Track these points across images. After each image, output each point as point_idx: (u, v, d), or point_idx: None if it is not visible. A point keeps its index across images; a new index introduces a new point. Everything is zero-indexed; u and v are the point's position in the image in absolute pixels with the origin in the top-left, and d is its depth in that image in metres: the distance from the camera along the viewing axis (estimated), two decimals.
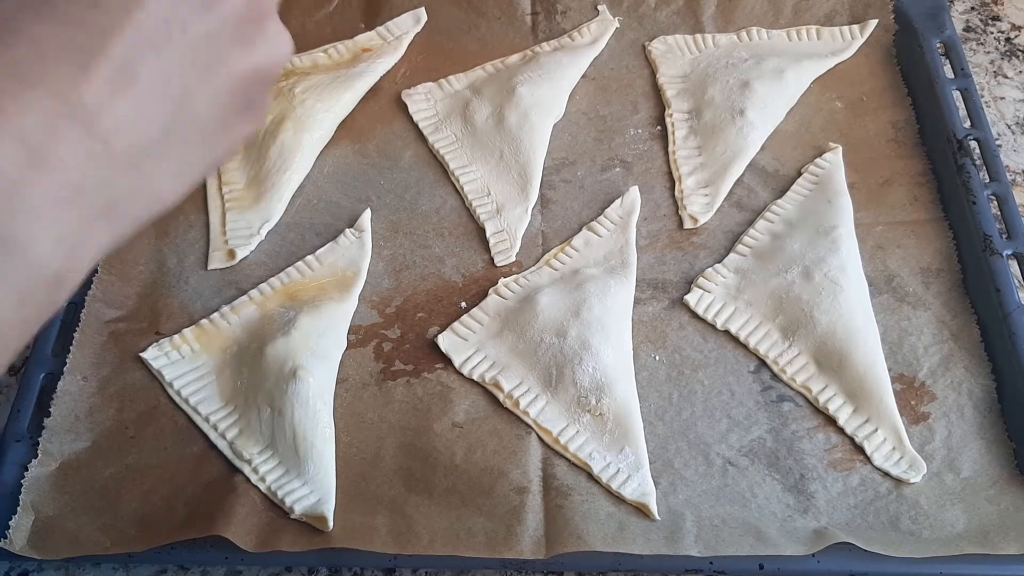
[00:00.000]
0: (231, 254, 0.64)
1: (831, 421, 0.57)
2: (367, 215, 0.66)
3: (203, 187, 0.68)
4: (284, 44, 0.34)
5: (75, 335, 0.59)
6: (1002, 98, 0.76)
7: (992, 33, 0.80)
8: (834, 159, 0.68)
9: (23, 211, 0.27)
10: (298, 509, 0.53)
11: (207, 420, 0.57)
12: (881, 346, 0.59)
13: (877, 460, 0.55)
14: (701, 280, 0.63)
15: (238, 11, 0.31)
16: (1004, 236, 0.63)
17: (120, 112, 0.29)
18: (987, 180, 0.65)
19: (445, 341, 0.60)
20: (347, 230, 0.66)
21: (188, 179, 0.32)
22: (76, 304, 0.61)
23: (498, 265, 0.64)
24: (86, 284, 0.62)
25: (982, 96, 0.72)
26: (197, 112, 0.31)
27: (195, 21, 0.30)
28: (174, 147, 0.31)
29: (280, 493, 0.54)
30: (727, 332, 0.61)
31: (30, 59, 0.27)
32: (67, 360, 0.59)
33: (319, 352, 0.58)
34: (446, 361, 0.60)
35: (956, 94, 0.70)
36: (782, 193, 0.67)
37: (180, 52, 0.30)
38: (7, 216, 0.26)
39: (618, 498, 0.54)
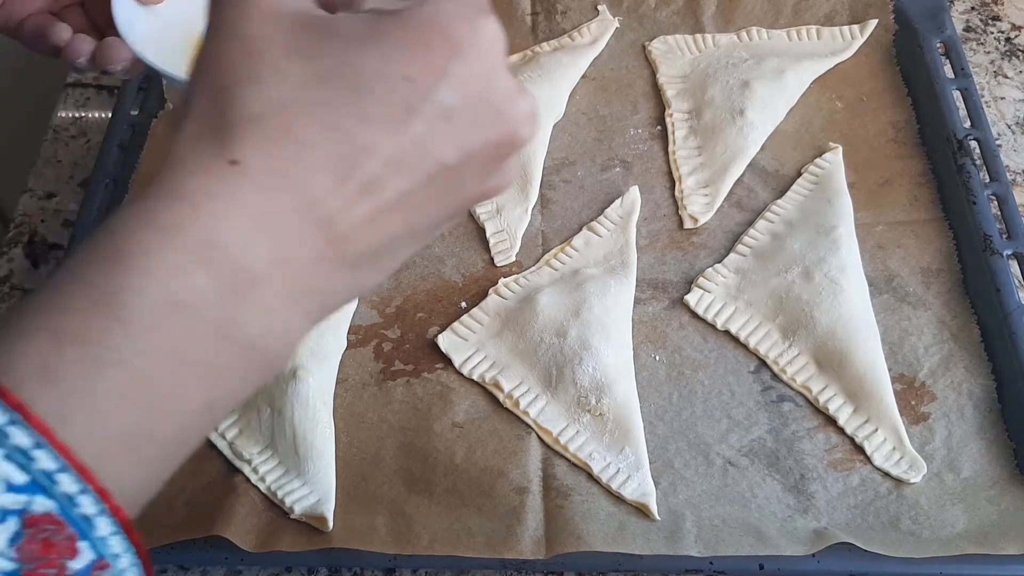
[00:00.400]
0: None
1: (831, 421, 0.57)
2: None
3: None
4: (510, 179, 0.34)
5: None
6: (1002, 98, 0.76)
7: (992, 33, 0.80)
8: (834, 159, 0.68)
9: (260, 308, 0.28)
10: (298, 509, 0.53)
11: None
12: (881, 346, 0.59)
13: (877, 460, 0.55)
14: (701, 280, 0.63)
15: (490, 154, 0.31)
16: (1004, 236, 0.63)
17: (357, 223, 0.29)
18: (987, 180, 0.65)
19: (445, 341, 0.60)
20: None
21: (392, 270, 0.33)
22: None
23: (498, 265, 0.64)
24: None
25: (982, 96, 0.72)
26: (419, 226, 0.31)
27: (448, 151, 0.30)
28: (392, 252, 0.32)
29: (280, 493, 0.54)
30: (727, 332, 0.61)
31: (294, 161, 0.28)
32: None
33: (319, 352, 0.58)
34: (446, 361, 0.60)
35: (956, 94, 0.70)
36: (782, 193, 0.67)
37: (425, 178, 0.30)
38: (246, 309, 0.27)
39: (618, 498, 0.54)
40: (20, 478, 0.24)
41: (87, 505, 0.25)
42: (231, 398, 0.29)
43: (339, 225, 0.29)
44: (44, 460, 0.24)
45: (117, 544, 0.26)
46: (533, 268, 0.64)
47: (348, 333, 0.61)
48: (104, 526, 0.25)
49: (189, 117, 0.29)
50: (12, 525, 0.24)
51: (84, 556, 0.25)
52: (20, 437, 0.24)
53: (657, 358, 0.60)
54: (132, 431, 0.26)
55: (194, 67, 0.30)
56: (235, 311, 0.27)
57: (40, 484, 0.24)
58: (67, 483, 0.25)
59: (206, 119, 0.28)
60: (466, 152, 0.30)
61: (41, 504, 0.24)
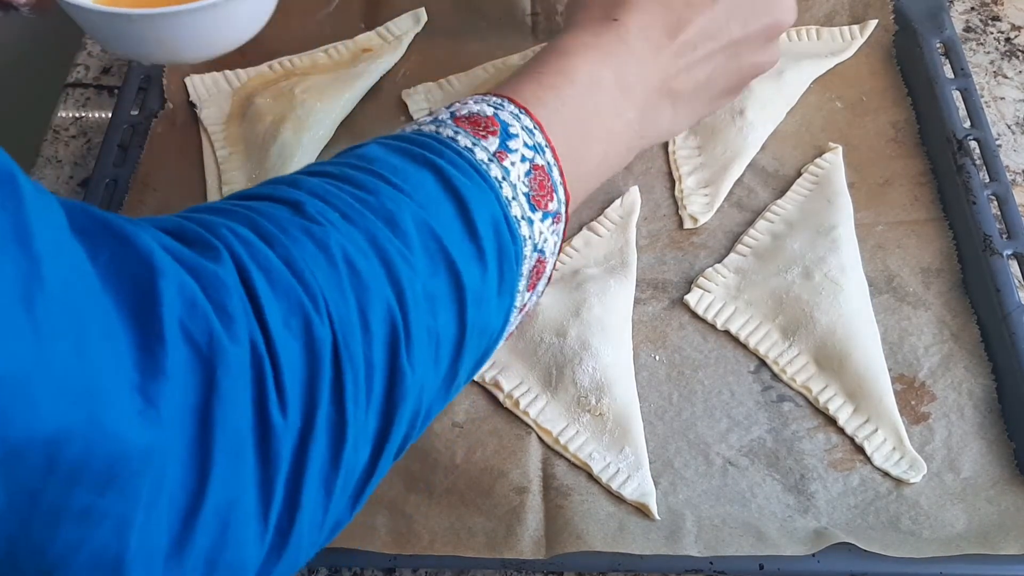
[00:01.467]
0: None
1: (831, 421, 0.57)
2: None
3: (204, 187, 0.69)
4: (776, 56, 0.52)
5: None
6: (1002, 98, 0.76)
7: (992, 33, 0.80)
8: (834, 159, 0.68)
9: (632, 99, 0.46)
10: None
11: None
12: (881, 346, 0.59)
13: (877, 460, 0.55)
14: (701, 280, 0.63)
15: (765, 29, 0.49)
16: (1004, 236, 0.63)
17: (680, 67, 0.47)
18: (987, 180, 0.65)
19: None
20: None
21: (693, 119, 0.51)
22: None
23: None
24: None
25: (982, 96, 0.72)
26: (717, 81, 0.49)
27: (737, 29, 0.48)
28: (696, 98, 0.49)
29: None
30: (727, 332, 0.61)
31: (648, 23, 0.46)
32: None
33: None
34: None
35: (956, 94, 0.70)
36: (782, 193, 0.67)
37: (722, 44, 0.48)
38: (625, 99, 0.46)
39: (618, 498, 0.54)
40: (529, 141, 0.41)
41: (556, 174, 0.41)
42: (612, 160, 0.47)
43: (669, 66, 0.47)
44: (539, 136, 0.41)
45: (563, 211, 0.42)
46: None
47: None
48: (561, 193, 0.42)
49: (585, 2, 0.49)
50: (527, 165, 0.40)
51: (554, 204, 0.41)
52: (527, 120, 0.42)
53: (657, 358, 0.60)
54: (574, 147, 0.43)
55: None
56: (621, 97, 0.45)
57: (537, 148, 0.41)
58: (549, 154, 0.41)
59: (596, 3, 0.48)
60: (747, 30, 0.48)
61: (539, 159, 0.40)
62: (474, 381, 0.59)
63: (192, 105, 0.73)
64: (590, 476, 0.55)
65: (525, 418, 0.57)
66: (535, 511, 0.53)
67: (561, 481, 0.55)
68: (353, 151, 0.39)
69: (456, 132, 0.39)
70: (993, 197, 0.65)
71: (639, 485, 0.54)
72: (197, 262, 0.30)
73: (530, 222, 0.39)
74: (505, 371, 0.59)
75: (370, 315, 0.32)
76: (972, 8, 0.82)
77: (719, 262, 0.64)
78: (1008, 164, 0.71)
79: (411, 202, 0.36)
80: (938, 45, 0.73)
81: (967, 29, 0.80)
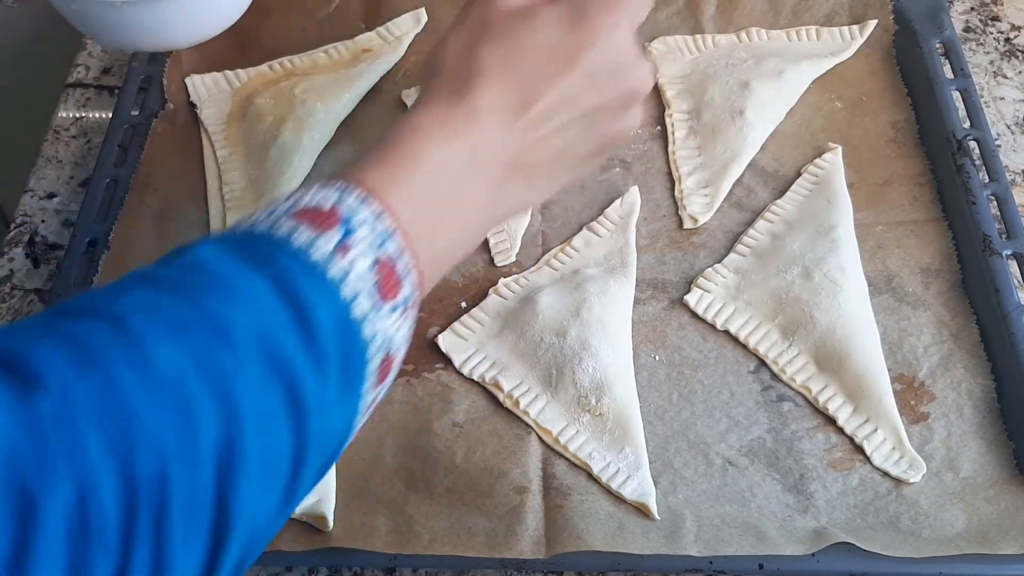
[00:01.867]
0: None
1: (831, 421, 0.57)
2: None
3: (204, 187, 0.69)
4: (639, 121, 0.48)
5: None
6: (1001, 98, 0.76)
7: (992, 33, 0.80)
8: (834, 159, 0.68)
9: (483, 176, 0.43)
10: (298, 509, 0.53)
11: None
12: (881, 346, 0.59)
13: (877, 460, 0.55)
14: (701, 280, 0.63)
15: (622, 97, 0.46)
16: (1003, 236, 0.63)
17: (533, 139, 0.44)
18: (987, 180, 0.66)
19: (445, 341, 0.60)
20: None
21: (552, 190, 0.47)
22: None
23: (498, 265, 0.64)
24: (86, 283, 0.62)
25: (981, 96, 0.72)
26: (573, 151, 0.46)
27: (593, 98, 0.45)
28: (553, 170, 0.46)
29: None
30: (727, 332, 0.61)
31: (497, 95, 0.43)
32: None
33: None
34: (446, 361, 0.60)
35: (955, 94, 0.70)
36: (782, 193, 0.67)
37: (578, 114, 0.45)
38: (476, 176, 0.43)
39: (618, 498, 0.54)
40: (374, 231, 0.38)
41: (405, 262, 0.38)
42: (468, 238, 0.44)
43: (521, 140, 0.44)
44: (385, 223, 0.38)
45: (414, 300, 0.39)
46: (533, 268, 0.64)
47: None
48: (413, 280, 0.39)
49: (435, 72, 0.45)
50: (372, 257, 0.37)
51: (403, 294, 0.38)
52: (373, 206, 0.38)
53: (657, 358, 0.60)
54: (424, 229, 0.40)
55: (440, 48, 0.46)
56: (472, 177, 0.43)
57: (384, 238, 0.38)
58: (397, 242, 0.38)
59: (447, 73, 0.45)
60: (604, 99, 0.45)
61: (385, 250, 0.38)
62: (474, 381, 0.59)
63: (192, 105, 0.73)
64: (590, 476, 0.55)
65: (525, 418, 0.57)
66: (535, 511, 0.53)
67: (561, 481, 0.55)
68: (183, 254, 0.36)
69: (293, 229, 0.36)
70: (992, 197, 0.65)
71: (639, 485, 0.54)
72: (10, 402, 0.29)
73: (376, 319, 0.37)
74: (505, 371, 0.59)
75: (199, 440, 0.31)
76: (972, 8, 0.82)
77: (719, 262, 0.64)
78: (1007, 164, 0.71)
79: (243, 312, 0.34)
80: (938, 45, 0.73)
81: (967, 29, 0.80)
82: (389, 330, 0.37)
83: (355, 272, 0.36)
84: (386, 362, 0.38)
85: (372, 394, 0.38)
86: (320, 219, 0.37)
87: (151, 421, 0.30)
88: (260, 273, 0.35)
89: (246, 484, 0.32)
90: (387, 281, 0.37)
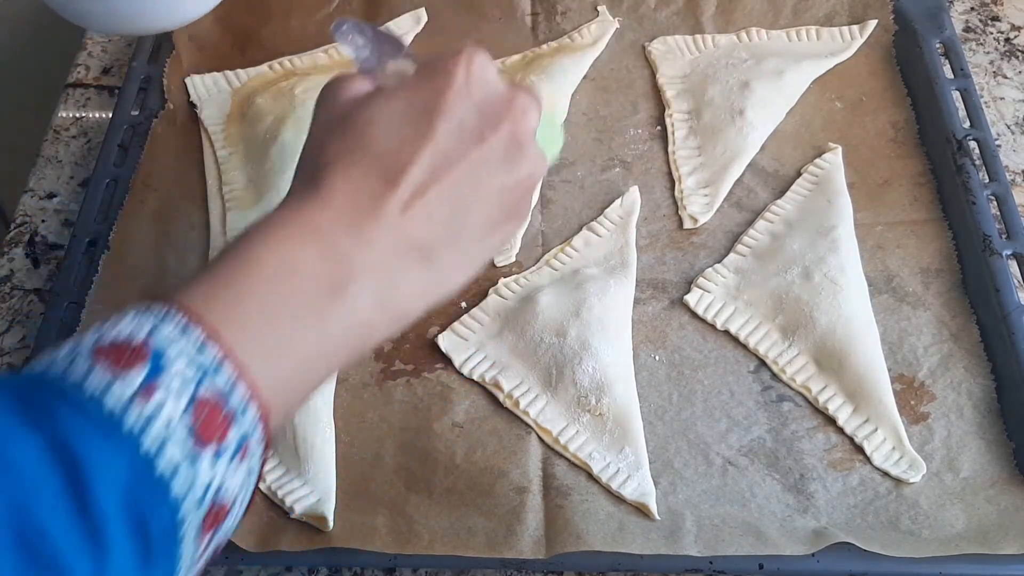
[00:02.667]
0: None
1: (831, 421, 0.57)
2: None
3: (204, 187, 0.69)
4: (540, 163, 0.44)
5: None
6: (1002, 98, 0.76)
7: (992, 33, 0.80)
8: (834, 159, 0.68)
9: (351, 274, 0.38)
10: (298, 509, 0.53)
11: None
12: (881, 346, 0.59)
13: (877, 460, 0.55)
14: (701, 280, 0.63)
15: (503, 142, 0.41)
16: (1003, 236, 0.63)
17: (412, 215, 0.39)
18: (987, 180, 0.66)
19: (445, 341, 0.60)
20: None
21: (468, 269, 0.43)
22: (76, 304, 0.61)
23: (498, 265, 0.64)
24: (86, 283, 0.62)
25: (981, 96, 0.72)
26: (472, 216, 0.41)
27: (470, 151, 0.41)
28: (455, 242, 0.41)
29: (280, 493, 0.54)
30: (727, 332, 0.61)
31: (359, 181, 0.39)
32: None
33: None
34: (446, 361, 0.60)
35: (956, 94, 0.70)
36: (782, 193, 0.67)
37: (459, 173, 0.40)
38: (341, 275, 0.38)
39: (618, 498, 0.54)
40: (194, 365, 0.33)
41: (239, 395, 0.34)
42: (340, 347, 0.39)
43: (397, 220, 0.39)
44: (211, 353, 0.33)
45: (257, 436, 0.34)
46: (533, 268, 0.64)
47: None
48: (251, 415, 0.34)
49: (295, 176, 0.42)
50: (186, 399, 0.32)
51: (234, 434, 0.33)
52: (195, 335, 0.34)
53: (657, 358, 0.60)
54: (269, 348, 0.36)
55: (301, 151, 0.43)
56: (332, 276, 0.38)
57: (207, 371, 0.33)
58: (226, 374, 0.34)
59: (302, 172, 0.42)
60: (484, 149, 0.41)
61: (208, 386, 0.33)
62: (474, 381, 0.59)
63: (192, 105, 0.73)
64: (590, 476, 0.55)
65: (525, 418, 0.57)
66: (535, 511, 0.53)
67: (561, 481, 0.55)
68: None
69: (90, 369, 0.32)
70: (992, 197, 0.65)
71: (639, 485, 0.54)
72: None
73: (192, 471, 0.32)
74: (505, 371, 0.59)
75: None
76: (972, 8, 0.82)
77: (719, 262, 0.64)
78: (1007, 164, 0.71)
79: (1, 483, 0.29)
80: (938, 45, 0.73)
81: (967, 29, 0.80)
82: (215, 479, 0.32)
83: (162, 418, 0.31)
84: (214, 513, 0.33)
85: (197, 548, 0.33)
86: (123, 356, 0.32)
87: None
88: (34, 432, 0.30)
89: None
90: (209, 422, 0.32)
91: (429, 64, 0.42)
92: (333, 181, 0.39)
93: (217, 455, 0.33)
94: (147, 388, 0.32)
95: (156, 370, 0.32)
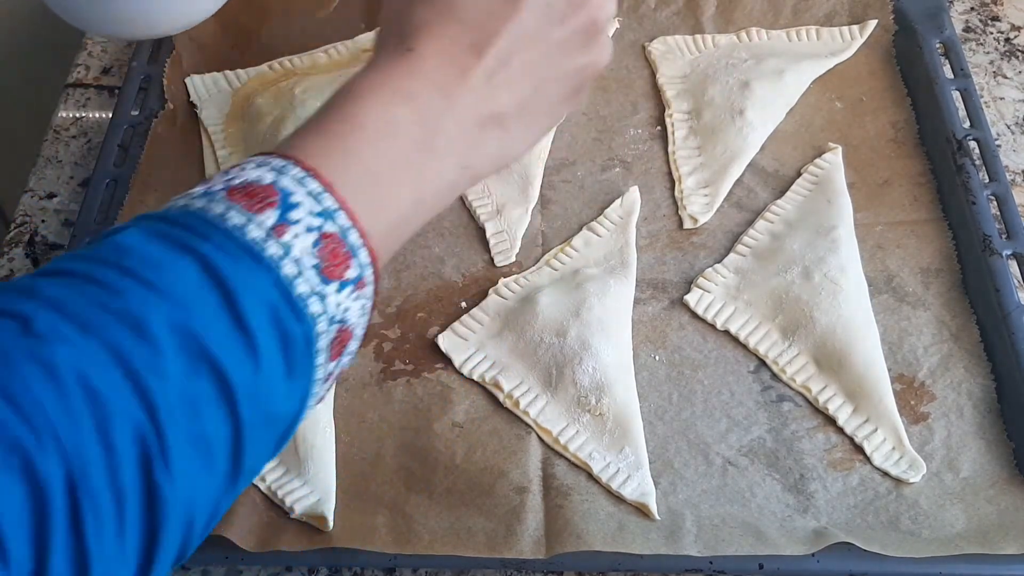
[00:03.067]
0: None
1: (831, 421, 0.57)
2: None
3: None
4: (608, 50, 0.47)
5: None
6: (1002, 98, 0.76)
7: (992, 33, 0.80)
8: (834, 159, 0.68)
9: (442, 133, 0.41)
10: (298, 509, 0.53)
11: None
12: (881, 346, 0.59)
13: (877, 460, 0.55)
14: (701, 280, 0.63)
15: (583, 26, 0.44)
16: (1003, 236, 0.63)
17: (496, 84, 0.42)
18: (987, 180, 0.66)
19: (445, 341, 0.60)
20: None
21: (532, 138, 0.46)
22: None
23: (498, 265, 0.64)
24: None
25: (982, 96, 0.72)
26: (547, 92, 0.44)
27: (553, 31, 0.43)
28: (528, 114, 0.44)
29: (280, 493, 0.54)
30: (727, 332, 0.61)
31: (448, 46, 0.41)
32: None
33: None
34: (446, 361, 0.60)
35: (956, 94, 0.70)
36: (782, 193, 0.67)
37: (541, 50, 0.43)
38: (432, 137, 0.41)
39: (618, 498, 0.54)
40: (316, 208, 0.36)
41: (354, 237, 0.37)
42: (431, 200, 0.42)
43: (482, 89, 0.42)
44: (328, 201, 0.37)
45: (369, 274, 0.38)
46: (533, 268, 0.64)
47: None
48: (364, 256, 0.38)
49: (380, 37, 0.44)
50: (314, 235, 0.36)
51: (353, 271, 0.37)
52: (313, 185, 0.37)
53: (657, 358, 0.60)
54: (376, 200, 0.39)
55: (382, 14, 0.45)
56: (425, 138, 0.41)
57: (327, 215, 0.37)
58: (343, 219, 0.37)
59: (389, 34, 0.43)
60: (565, 30, 0.44)
61: (330, 227, 0.37)
62: (474, 381, 0.59)
63: (192, 105, 0.73)
64: (590, 476, 0.55)
65: (525, 418, 0.57)
66: (535, 511, 0.53)
67: (561, 481, 0.55)
68: (110, 238, 0.35)
69: (228, 208, 0.35)
70: (993, 197, 0.65)
71: (639, 485, 0.54)
72: None
73: (322, 297, 0.36)
74: (505, 371, 0.59)
75: (113, 436, 0.31)
76: (972, 8, 0.82)
77: (719, 262, 0.64)
78: (1007, 164, 0.71)
79: (164, 300, 0.33)
80: (938, 45, 0.73)
81: (967, 29, 0.80)
82: (340, 306, 0.37)
83: (296, 250, 0.35)
84: (340, 337, 0.38)
85: (327, 368, 0.38)
86: (257, 197, 0.36)
87: (58, 419, 0.30)
88: (188, 257, 0.34)
89: (178, 471, 0.32)
90: (333, 258, 0.36)
91: None
92: (424, 47, 0.41)
93: (342, 285, 0.37)
94: (280, 226, 0.35)
95: (287, 208, 0.36)
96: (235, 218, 0.35)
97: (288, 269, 0.35)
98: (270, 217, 0.35)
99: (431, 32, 0.42)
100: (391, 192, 0.40)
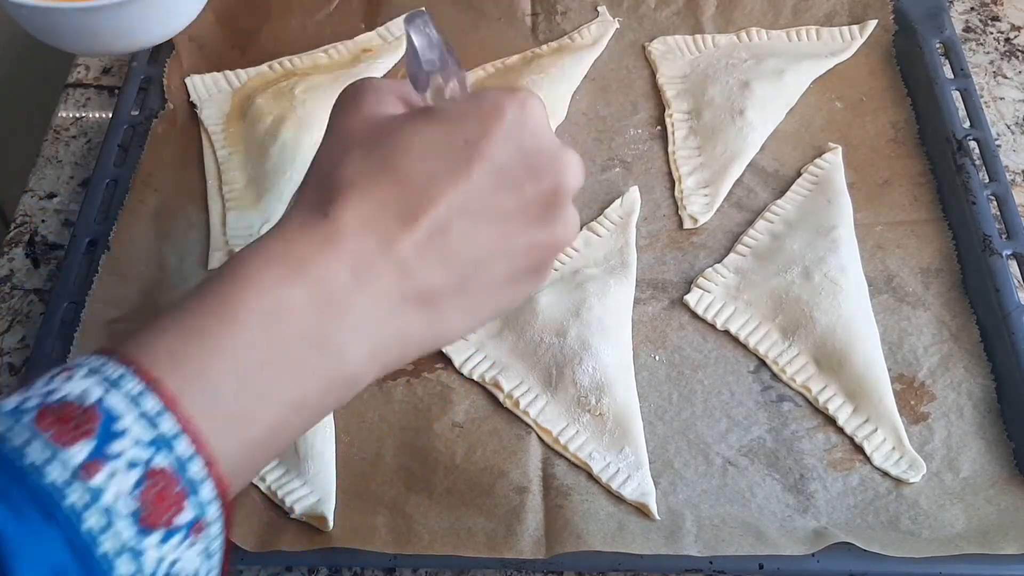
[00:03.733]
0: (232, 254, 0.64)
1: (831, 421, 0.57)
2: None
3: (204, 187, 0.69)
4: (573, 227, 0.40)
5: (75, 336, 0.59)
6: (1002, 98, 0.76)
7: (992, 33, 0.80)
8: (834, 159, 0.68)
9: (344, 327, 0.34)
10: (298, 509, 0.53)
11: None
12: (881, 346, 0.59)
13: (877, 460, 0.55)
14: (701, 280, 0.63)
15: (544, 196, 0.38)
16: (1003, 236, 0.63)
17: (427, 257, 0.36)
18: (987, 180, 0.66)
19: None
20: None
21: (473, 322, 0.39)
22: (76, 304, 0.61)
23: None
24: (86, 283, 0.62)
25: (982, 96, 0.72)
26: (493, 270, 0.38)
27: (506, 199, 0.37)
28: (467, 295, 0.37)
29: (280, 493, 0.54)
30: (727, 332, 0.61)
31: (371, 212, 0.35)
32: (67, 361, 0.59)
33: None
34: (446, 361, 0.60)
35: (956, 94, 0.70)
36: (782, 193, 0.67)
37: (488, 221, 0.37)
38: (334, 323, 0.34)
39: (618, 498, 0.54)
40: (147, 436, 0.29)
41: (195, 470, 0.30)
42: (319, 403, 0.35)
43: (410, 261, 0.35)
44: (166, 424, 0.30)
45: (213, 511, 0.31)
46: None
47: None
48: (207, 491, 0.30)
49: (300, 191, 0.38)
50: (137, 473, 0.29)
51: (187, 513, 0.30)
52: (150, 403, 0.30)
53: (657, 358, 0.60)
54: (238, 412, 0.32)
55: (315, 156, 0.38)
56: (323, 325, 0.34)
57: (161, 444, 0.29)
58: (182, 447, 0.30)
59: (310, 189, 0.37)
60: (521, 199, 0.37)
61: (161, 460, 0.29)
62: (474, 381, 0.59)
63: (192, 105, 0.73)
64: (590, 476, 0.55)
65: (525, 418, 0.57)
66: (535, 511, 0.53)
67: (561, 481, 0.55)
68: None
69: (31, 438, 0.28)
70: (993, 197, 0.65)
71: (639, 485, 0.54)
72: None
73: (137, 553, 0.29)
74: (505, 371, 0.59)
75: None
76: (972, 8, 0.82)
77: (719, 262, 0.64)
78: (1007, 164, 0.71)
79: None
80: (938, 45, 0.73)
81: (967, 29, 0.80)
82: (164, 561, 0.29)
83: (108, 496, 0.28)
84: None
85: None
86: (71, 422, 0.29)
87: None
88: None
89: None
90: (159, 501, 0.29)
91: (480, 95, 0.38)
92: (344, 213, 0.35)
93: (168, 533, 0.30)
94: (92, 463, 0.28)
95: (108, 437, 0.29)
96: (35, 453, 0.28)
97: (92, 522, 0.28)
98: (81, 451, 0.28)
99: (358, 193, 0.35)
100: (264, 397, 0.33)
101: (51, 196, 0.72)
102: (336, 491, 0.54)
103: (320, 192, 0.36)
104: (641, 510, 0.53)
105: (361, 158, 0.36)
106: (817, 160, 0.69)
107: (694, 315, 0.62)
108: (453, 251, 0.36)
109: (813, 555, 0.51)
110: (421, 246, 0.35)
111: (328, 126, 0.39)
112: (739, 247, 0.65)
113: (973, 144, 0.67)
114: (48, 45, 0.66)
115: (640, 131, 0.72)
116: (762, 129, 0.70)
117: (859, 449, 0.56)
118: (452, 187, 0.35)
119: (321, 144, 0.39)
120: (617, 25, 0.77)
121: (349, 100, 0.39)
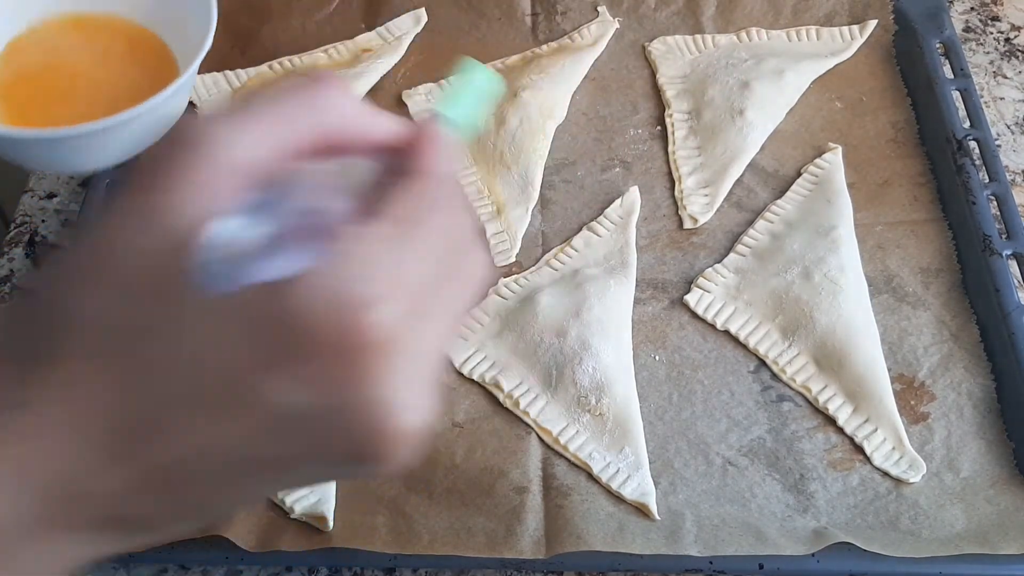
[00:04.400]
0: None
1: (831, 421, 0.57)
2: None
3: None
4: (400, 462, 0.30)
5: None
6: (1002, 98, 0.76)
7: (992, 33, 0.80)
8: (834, 159, 0.68)
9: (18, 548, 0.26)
10: (298, 508, 0.53)
11: None
12: (881, 346, 0.59)
13: (877, 460, 0.55)
14: (701, 280, 0.63)
15: (332, 470, 0.30)
16: (1003, 236, 0.63)
17: (152, 487, 0.27)
18: (986, 180, 0.66)
19: None
20: None
21: (184, 532, 0.30)
22: None
23: (498, 265, 0.64)
24: None
25: (981, 96, 0.72)
26: (218, 501, 0.29)
27: (275, 447, 0.26)
28: (181, 511, 0.29)
29: (280, 493, 0.54)
30: (727, 332, 0.61)
31: (76, 413, 0.26)
32: None
33: None
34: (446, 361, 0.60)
35: (956, 94, 0.70)
36: (782, 193, 0.67)
37: (234, 475, 0.28)
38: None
39: (618, 498, 0.54)
40: None
41: None
42: None
43: (127, 483, 0.26)
44: None
45: None
46: (533, 268, 0.64)
47: None
48: None
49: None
50: None
51: None
52: None
53: (657, 358, 0.60)
54: None
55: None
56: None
57: None
58: None
59: (7, 360, 0.28)
60: (309, 454, 0.26)
61: None
62: (474, 381, 0.59)
63: (192, 105, 0.73)
64: (590, 476, 0.55)
65: (525, 418, 0.57)
66: (535, 511, 0.53)
67: (561, 481, 0.55)
68: None
69: None
70: (992, 197, 0.65)
71: (639, 485, 0.54)
72: None
73: None
74: (505, 371, 0.59)
75: None
76: (972, 8, 0.82)
77: (719, 262, 0.64)
78: (1007, 164, 0.71)
79: None
80: (938, 45, 0.73)
81: (967, 29, 0.80)
82: None
83: None
84: None
85: None
86: None
87: None
88: None
89: None
90: None
91: (294, 297, 0.25)
92: (50, 406, 0.26)
93: None
94: None
95: None
96: None
97: None
98: None
99: (56, 380, 0.26)
100: None
101: (51, 196, 0.72)
102: (336, 491, 0.54)
103: (20, 366, 0.27)
104: (641, 510, 0.53)
105: (101, 334, 0.26)
106: (817, 160, 0.69)
107: (694, 315, 0.62)
108: (181, 487, 0.27)
109: (813, 555, 0.51)
110: (145, 472, 0.26)
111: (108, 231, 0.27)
112: (739, 247, 0.65)
113: (973, 144, 0.67)
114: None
115: (640, 131, 0.72)
116: (762, 129, 0.70)
117: (859, 449, 0.56)
118: (198, 423, 0.26)
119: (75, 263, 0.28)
120: (617, 25, 0.77)
121: (135, 213, 0.27)
